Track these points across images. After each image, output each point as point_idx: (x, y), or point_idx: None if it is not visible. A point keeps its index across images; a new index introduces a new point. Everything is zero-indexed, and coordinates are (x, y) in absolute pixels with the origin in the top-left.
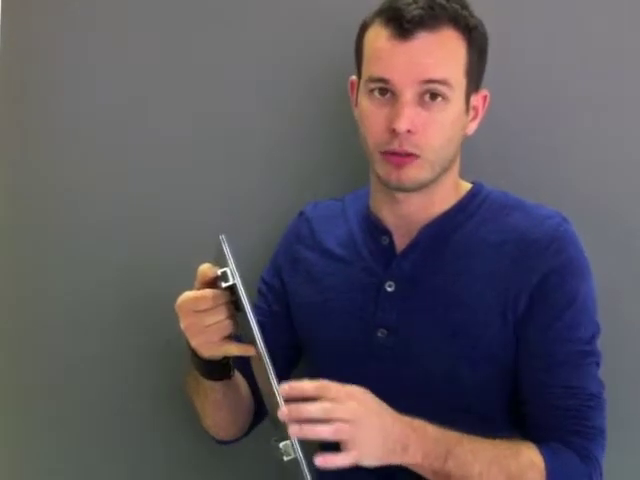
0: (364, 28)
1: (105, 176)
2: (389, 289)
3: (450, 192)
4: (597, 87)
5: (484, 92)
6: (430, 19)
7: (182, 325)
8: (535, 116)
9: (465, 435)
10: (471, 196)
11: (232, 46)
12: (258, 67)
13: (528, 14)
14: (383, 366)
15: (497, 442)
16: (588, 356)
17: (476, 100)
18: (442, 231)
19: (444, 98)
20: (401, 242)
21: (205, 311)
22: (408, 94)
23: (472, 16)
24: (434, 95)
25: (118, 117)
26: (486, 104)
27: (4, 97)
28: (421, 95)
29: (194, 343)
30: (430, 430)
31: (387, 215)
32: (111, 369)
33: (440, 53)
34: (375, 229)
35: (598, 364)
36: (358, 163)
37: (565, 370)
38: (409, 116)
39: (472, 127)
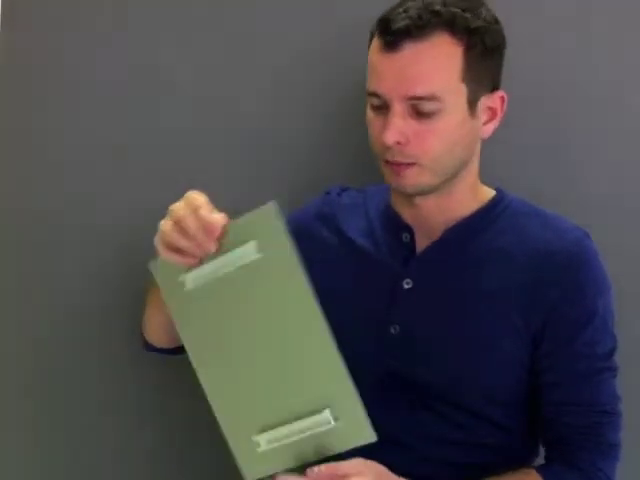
0: (371, 37)
1: (105, 176)
2: (406, 286)
3: (469, 196)
4: (608, 89)
5: (501, 93)
6: (418, 28)
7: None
8: (547, 118)
9: None
10: (494, 203)
11: (234, 45)
12: (263, 65)
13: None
14: (393, 362)
15: None
16: (604, 372)
17: (492, 101)
18: (463, 235)
19: (434, 111)
20: (421, 241)
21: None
22: (397, 106)
23: (478, 16)
24: (422, 111)
25: (119, 117)
26: (504, 105)
27: (4, 96)
28: (412, 106)
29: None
30: None
31: (407, 214)
32: (112, 369)
33: (428, 64)
34: (396, 225)
35: (615, 377)
36: (367, 164)
37: (580, 387)
38: (397, 129)
39: (488, 129)
